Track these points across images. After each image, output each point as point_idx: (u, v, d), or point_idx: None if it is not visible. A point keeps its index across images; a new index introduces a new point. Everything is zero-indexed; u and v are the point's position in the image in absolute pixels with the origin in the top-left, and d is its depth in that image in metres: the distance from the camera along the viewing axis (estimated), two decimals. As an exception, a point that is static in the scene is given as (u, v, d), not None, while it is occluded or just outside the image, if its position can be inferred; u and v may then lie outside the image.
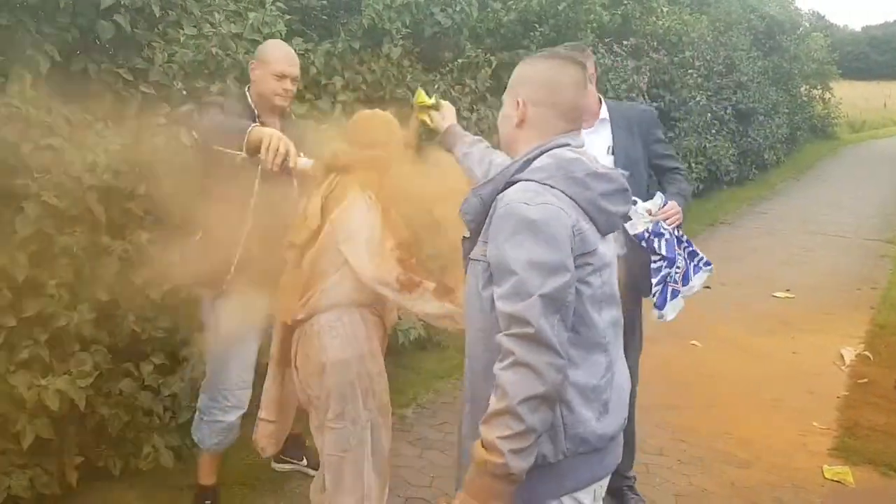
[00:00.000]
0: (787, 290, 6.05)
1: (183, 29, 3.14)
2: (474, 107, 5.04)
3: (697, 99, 8.88)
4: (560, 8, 5.73)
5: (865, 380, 4.28)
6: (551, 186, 1.43)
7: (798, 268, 6.88)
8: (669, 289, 2.55)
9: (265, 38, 3.37)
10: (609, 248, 1.54)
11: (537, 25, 5.69)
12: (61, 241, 2.45)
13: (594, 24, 6.38)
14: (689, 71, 8.75)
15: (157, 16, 3.01)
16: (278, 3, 3.58)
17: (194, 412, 2.74)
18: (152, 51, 3.02)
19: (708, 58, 9.32)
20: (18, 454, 2.45)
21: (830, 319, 5.37)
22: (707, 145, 9.18)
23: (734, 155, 10.13)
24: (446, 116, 2.32)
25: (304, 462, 3.11)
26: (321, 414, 2.31)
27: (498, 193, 1.49)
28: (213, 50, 3.12)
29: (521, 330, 1.33)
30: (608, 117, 2.69)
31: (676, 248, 2.53)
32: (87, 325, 2.50)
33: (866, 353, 4.67)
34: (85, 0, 2.81)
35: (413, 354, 4.25)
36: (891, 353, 4.67)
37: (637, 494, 2.95)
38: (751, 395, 4.06)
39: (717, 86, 9.81)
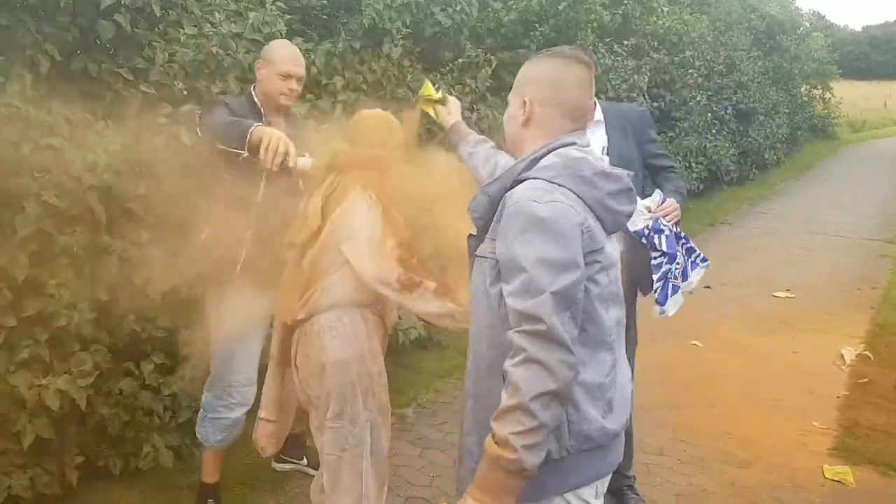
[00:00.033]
0: (788, 290, 6.05)
1: (183, 28, 3.14)
2: (475, 106, 5.05)
3: (698, 99, 8.88)
4: (560, 8, 5.73)
5: (866, 379, 4.28)
6: (559, 185, 1.44)
7: (798, 268, 6.88)
8: (670, 285, 2.57)
9: (265, 38, 3.37)
10: (614, 248, 1.55)
11: (537, 25, 5.70)
12: (61, 240, 2.45)
13: (594, 24, 6.38)
14: (690, 71, 8.75)
15: (158, 15, 3.01)
16: (279, 3, 3.58)
17: (195, 412, 2.74)
18: (153, 50, 3.02)
19: (708, 57, 9.32)
20: (19, 454, 2.45)
21: (831, 319, 5.37)
22: (707, 145, 9.18)
23: (734, 155, 10.13)
24: (452, 112, 2.32)
25: (305, 462, 3.11)
26: (321, 414, 2.31)
27: (505, 192, 1.50)
28: (214, 49, 3.12)
29: (533, 327, 1.34)
30: (602, 118, 2.71)
31: (676, 244, 2.55)
32: (88, 324, 2.50)
33: (866, 352, 4.67)
34: (85, 0, 2.81)
35: (413, 354, 4.25)
36: (891, 353, 4.67)
37: (637, 494, 2.95)
38: (751, 394, 4.06)
39: (717, 85, 9.81)
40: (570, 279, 1.36)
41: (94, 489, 2.81)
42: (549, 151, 1.52)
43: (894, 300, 5.83)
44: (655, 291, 2.56)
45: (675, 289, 2.57)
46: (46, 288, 2.41)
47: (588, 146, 1.59)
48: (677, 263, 2.56)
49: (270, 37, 3.39)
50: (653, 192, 2.64)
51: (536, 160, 1.52)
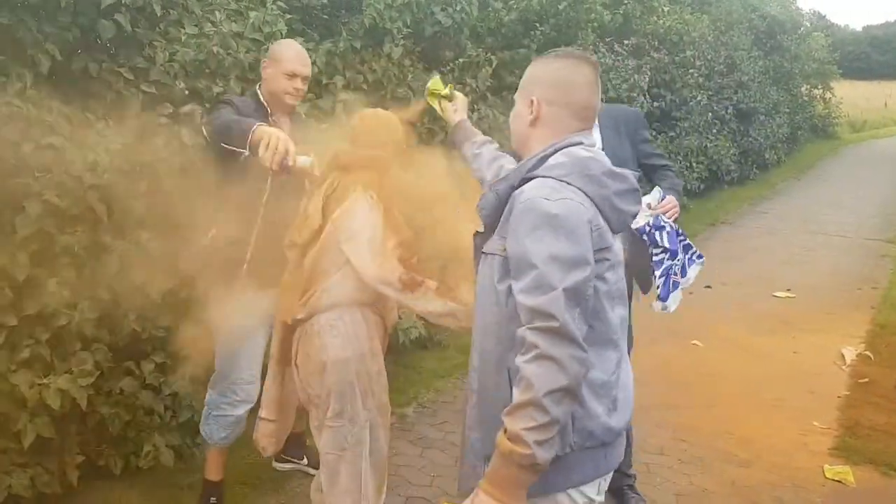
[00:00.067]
0: (788, 290, 6.05)
1: (184, 28, 3.14)
2: (475, 106, 5.04)
3: (698, 98, 8.88)
4: (561, 7, 5.73)
5: (866, 379, 4.28)
6: (568, 183, 1.46)
7: (799, 267, 6.88)
8: (671, 281, 2.58)
9: (266, 37, 3.37)
10: (619, 246, 1.57)
11: (538, 25, 5.70)
12: (62, 240, 2.45)
13: (595, 24, 6.38)
14: (690, 70, 8.74)
15: (159, 15, 3.01)
16: (279, 3, 3.58)
17: (195, 411, 2.74)
18: (153, 50, 3.02)
19: (709, 57, 9.31)
20: (19, 453, 2.45)
21: (831, 319, 5.37)
22: (708, 145, 9.18)
23: (735, 154, 10.13)
24: (458, 109, 2.32)
25: (305, 461, 3.12)
26: (321, 413, 2.31)
27: (513, 190, 1.51)
28: (215, 49, 3.12)
29: (545, 324, 1.35)
30: (596, 119, 2.71)
31: (676, 240, 2.57)
32: (88, 324, 2.50)
33: (867, 352, 4.67)
34: (86, -1, 2.81)
35: (414, 354, 4.25)
36: (891, 353, 4.67)
37: (638, 494, 2.95)
38: (751, 394, 4.06)
39: (718, 85, 9.80)
40: (581, 276, 1.38)
41: (95, 488, 2.81)
42: (557, 150, 1.54)
43: (895, 300, 5.82)
44: (657, 287, 2.58)
45: (676, 285, 2.60)
46: (47, 287, 2.41)
47: (594, 146, 1.60)
48: (677, 260, 2.58)
49: (271, 36, 3.39)
50: (651, 189, 2.65)
51: (544, 159, 1.54)
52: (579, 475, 1.51)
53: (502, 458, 1.37)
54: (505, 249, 1.48)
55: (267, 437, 2.51)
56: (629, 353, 2.84)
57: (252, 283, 2.44)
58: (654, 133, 8.06)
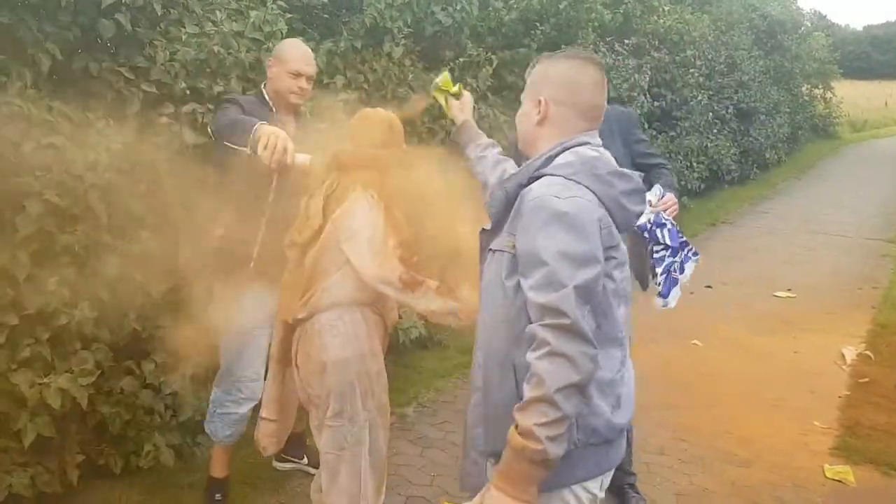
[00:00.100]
0: (789, 290, 6.05)
1: (184, 27, 3.14)
2: (475, 105, 5.01)
3: (699, 98, 8.87)
4: (561, 7, 5.73)
5: (867, 379, 4.28)
6: (577, 182, 1.47)
7: (799, 267, 6.88)
8: (671, 278, 2.59)
9: (266, 37, 3.37)
10: (624, 246, 1.58)
11: (538, 24, 5.69)
12: (63, 239, 2.45)
13: (595, 23, 6.38)
14: (691, 70, 8.74)
15: (159, 14, 3.01)
16: (279, 2, 3.58)
17: (196, 410, 2.74)
18: (154, 49, 3.02)
19: (709, 57, 9.31)
20: (20, 452, 2.45)
21: (832, 319, 5.37)
22: (708, 144, 9.18)
23: (736, 154, 10.13)
24: (464, 109, 2.33)
25: (305, 461, 3.12)
26: (321, 413, 2.31)
27: (522, 188, 1.53)
28: (215, 48, 3.12)
29: (557, 321, 1.36)
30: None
31: (677, 237, 2.59)
32: (89, 323, 2.50)
33: (867, 352, 4.67)
34: (86, -2, 2.81)
35: (414, 353, 4.25)
36: (892, 353, 4.67)
37: (638, 493, 2.95)
38: (752, 394, 4.06)
39: (718, 85, 9.80)
40: (592, 273, 1.40)
41: (95, 488, 2.81)
42: (565, 150, 1.56)
43: (895, 300, 5.82)
44: (659, 285, 2.59)
45: (675, 281, 2.61)
46: (48, 286, 2.41)
47: (601, 145, 1.62)
48: (678, 257, 2.59)
49: (271, 35, 3.39)
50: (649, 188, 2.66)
51: (552, 158, 1.56)
52: (583, 471, 1.53)
53: (514, 454, 1.38)
54: (514, 246, 1.49)
55: (268, 437, 2.51)
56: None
57: (258, 282, 2.46)
58: (654, 132, 8.06)
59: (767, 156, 11.83)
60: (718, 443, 3.51)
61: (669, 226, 2.57)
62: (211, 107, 3.01)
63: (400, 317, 2.99)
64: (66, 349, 2.52)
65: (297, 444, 3.09)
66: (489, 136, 2.31)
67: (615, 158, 2.63)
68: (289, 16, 3.66)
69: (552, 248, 1.39)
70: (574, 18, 5.90)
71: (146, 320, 2.78)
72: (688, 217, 8.08)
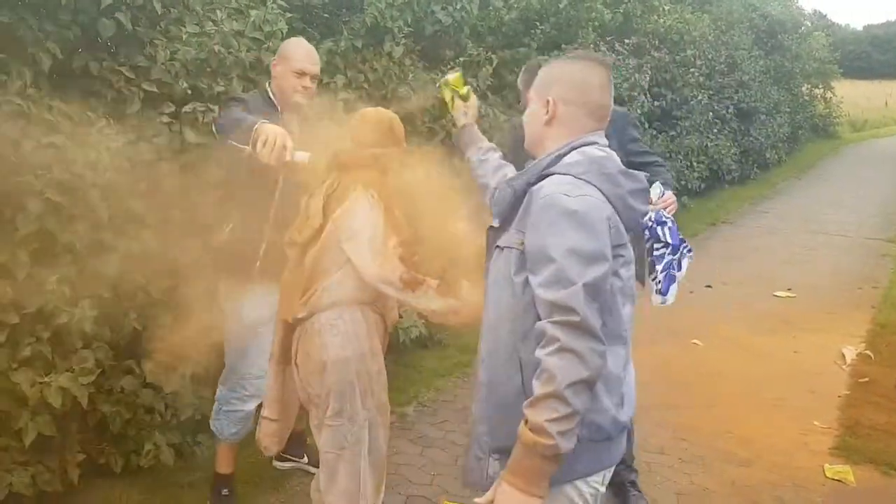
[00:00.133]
0: (789, 290, 6.05)
1: (185, 27, 3.14)
2: (476, 105, 5.04)
3: (699, 98, 8.87)
4: (561, 6, 5.73)
5: (866, 379, 4.28)
6: (586, 181, 1.50)
7: (799, 267, 6.88)
8: (671, 275, 2.60)
9: (266, 36, 3.37)
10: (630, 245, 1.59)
11: (538, 24, 5.70)
12: (63, 238, 2.45)
13: (595, 23, 6.38)
14: (691, 70, 8.74)
15: (159, 13, 3.01)
16: (280, 1, 3.58)
17: (195, 410, 2.74)
18: (154, 48, 3.02)
19: (710, 56, 9.31)
20: (20, 451, 2.45)
21: (832, 318, 5.37)
22: (709, 144, 9.18)
23: (736, 154, 10.13)
24: (469, 113, 2.33)
25: (305, 460, 3.12)
26: (321, 412, 2.31)
27: (530, 186, 1.55)
28: (216, 47, 3.12)
29: (566, 318, 1.38)
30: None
31: (677, 234, 2.61)
32: (89, 322, 2.50)
33: (867, 352, 4.67)
34: (86, -3, 2.81)
35: (414, 353, 4.25)
36: (892, 353, 4.67)
37: (639, 491, 2.96)
38: (752, 394, 4.06)
39: (718, 85, 9.80)
40: (600, 271, 1.41)
41: (96, 487, 2.81)
42: (573, 149, 1.59)
43: (895, 299, 5.82)
44: (659, 282, 2.60)
45: (673, 278, 2.62)
46: (48, 285, 2.41)
47: (607, 145, 1.64)
48: (677, 254, 2.61)
49: (271, 35, 3.40)
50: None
51: (560, 157, 1.58)
52: (586, 467, 1.55)
53: (525, 450, 1.39)
54: (522, 243, 1.51)
55: (270, 437, 2.50)
56: None
57: (264, 280, 2.47)
58: (654, 132, 8.06)
59: (768, 155, 11.83)
60: (718, 442, 3.51)
61: (670, 223, 2.58)
62: (211, 106, 3.01)
63: (400, 316, 2.99)
64: (66, 348, 2.52)
65: (298, 443, 3.09)
66: (489, 135, 2.32)
67: None
68: (289, 15, 3.66)
69: (562, 245, 1.41)
70: (574, 18, 5.91)
71: (147, 319, 2.78)
72: (688, 217, 8.08)
